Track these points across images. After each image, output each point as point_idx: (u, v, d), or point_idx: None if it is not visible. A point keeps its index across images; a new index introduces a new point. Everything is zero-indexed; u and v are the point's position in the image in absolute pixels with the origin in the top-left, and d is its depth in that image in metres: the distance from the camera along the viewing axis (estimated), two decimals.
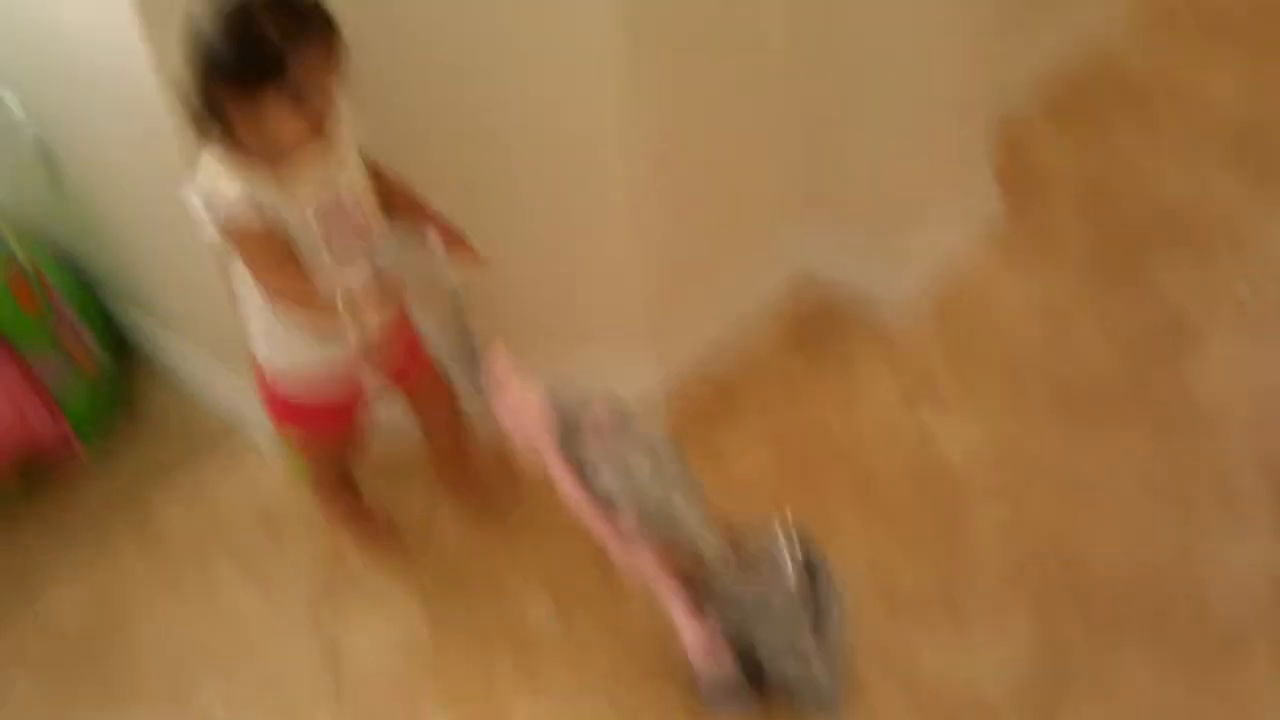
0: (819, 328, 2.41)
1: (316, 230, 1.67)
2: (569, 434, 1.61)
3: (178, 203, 1.82)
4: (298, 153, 1.64)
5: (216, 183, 1.61)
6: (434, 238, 1.75)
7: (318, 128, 1.62)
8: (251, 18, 1.55)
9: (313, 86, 1.58)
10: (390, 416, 2.08)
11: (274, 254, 1.67)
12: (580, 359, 1.79)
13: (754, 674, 1.76)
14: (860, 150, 2.31)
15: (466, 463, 2.15)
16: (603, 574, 1.94)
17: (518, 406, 1.62)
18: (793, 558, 1.72)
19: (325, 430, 1.93)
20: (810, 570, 1.75)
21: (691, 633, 1.70)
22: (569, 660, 1.94)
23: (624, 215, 2.05)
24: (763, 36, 2.17)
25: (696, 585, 1.70)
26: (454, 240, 1.80)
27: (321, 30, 1.60)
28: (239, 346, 2.02)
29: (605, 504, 1.60)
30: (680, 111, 2.05)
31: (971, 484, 2.11)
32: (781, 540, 1.72)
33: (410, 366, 1.91)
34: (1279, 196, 2.69)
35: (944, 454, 2.16)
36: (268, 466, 2.26)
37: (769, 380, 2.31)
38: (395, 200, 1.82)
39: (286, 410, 1.87)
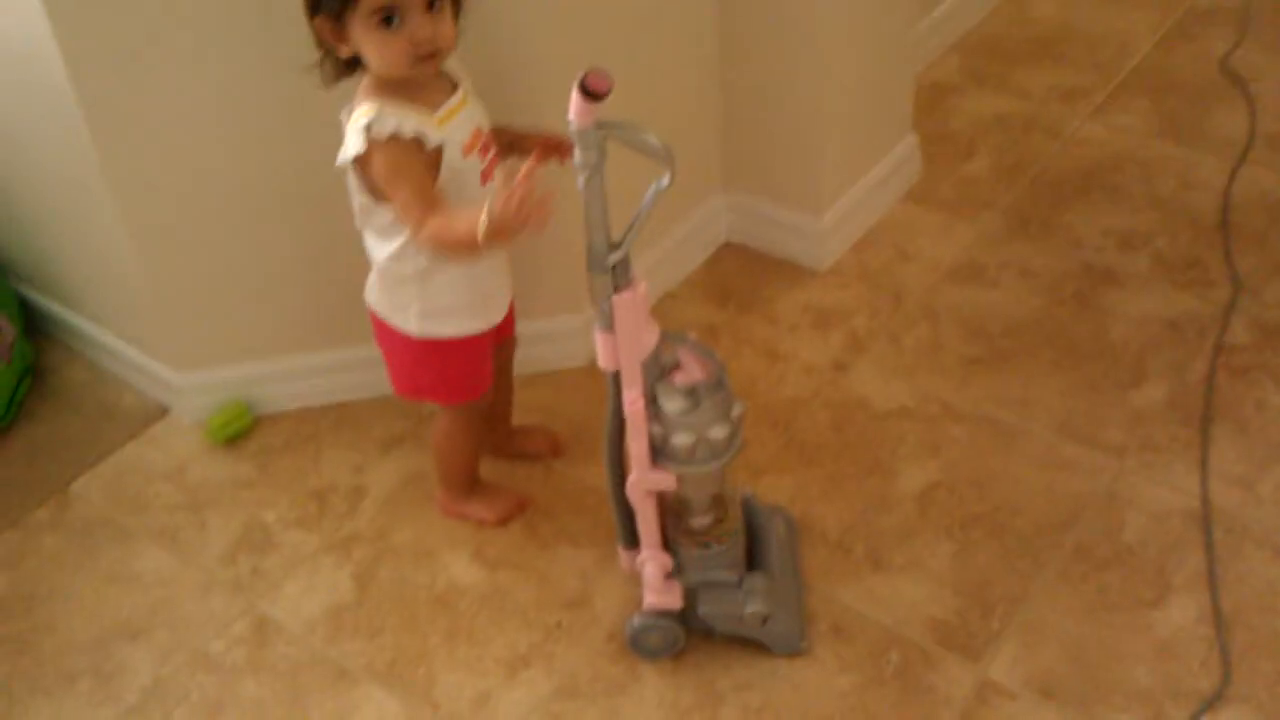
0: (746, 285, 2.51)
1: (478, 165, 1.68)
2: (656, 370, 1.65)
3: (86, 188, 1.96)
4: (423, 83, 1.62)
5: (381, 111, 1.59)
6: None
7: (428, 46, 1.59)
8: None
9: (405, 10, 1.55)
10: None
11: (428, 188, 1.62)
12: None
13: (690, 618, 1.84)
14: (784, 124, 2.41)
15: (510, 421, 2.16)
16: (526, 532, 2.07)
17: (634, 327, 1.59)
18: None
19: (476, 375, 1.88)
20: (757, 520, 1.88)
21: (654, 563, 1.78)
22: (497, 619, 1.96)
23: None
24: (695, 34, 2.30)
25: (671, 525, 1.79)
26: (560, 146, 1.75)
27: None
28: (149, 327, 2.20)
29: (661, 423, 1.65)
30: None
31: (894, 432, 2.20)
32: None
33: (510, 319, 1.92)
34: (1193, 141, 2.80)
35: (868, 404, 2.25)
36: (184, 439, 2.31)
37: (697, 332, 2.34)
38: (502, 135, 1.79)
39: (441, 367, 1.84)
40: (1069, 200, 2.68)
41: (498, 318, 1.86)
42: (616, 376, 1.64)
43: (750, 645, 1.86)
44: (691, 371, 1.66)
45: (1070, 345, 2.34)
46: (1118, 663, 1.83)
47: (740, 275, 2.56)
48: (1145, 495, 2.05)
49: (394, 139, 1.60)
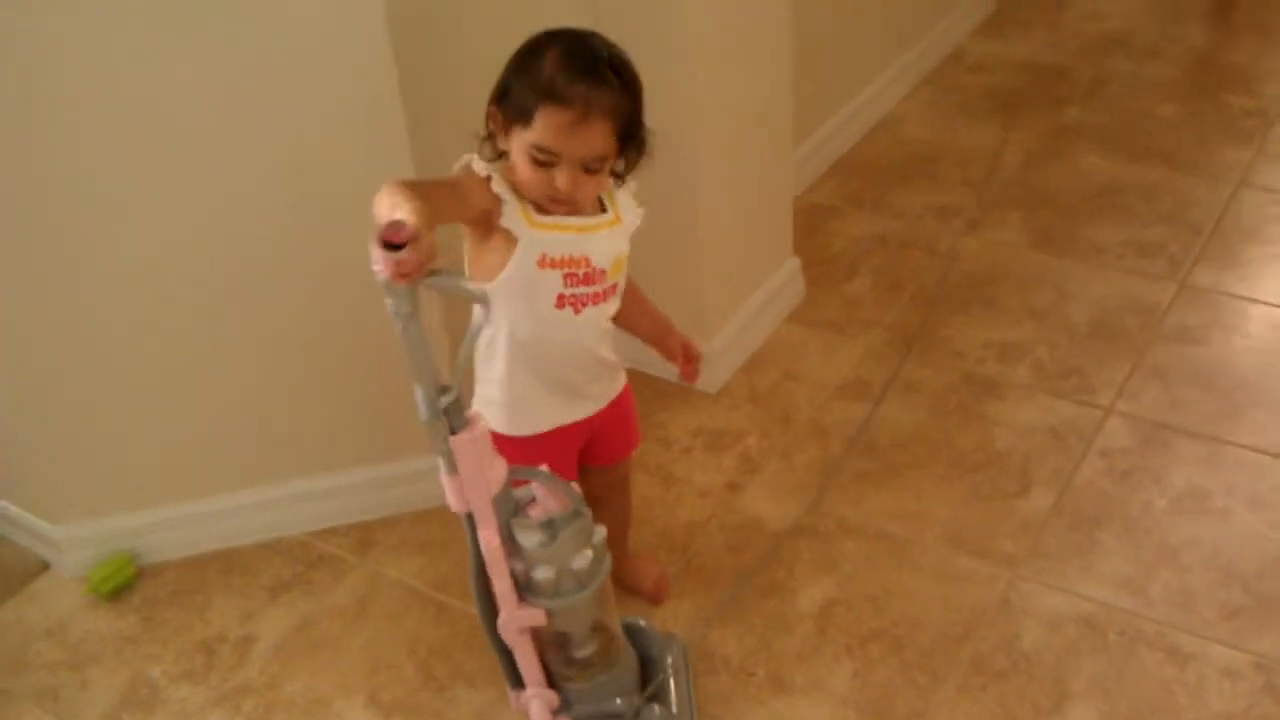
0: (638, 410, 2.40)
1: (557, 285, 1.64)
2: (509, 507, 1.63)
3: None
4: (552, 206, 1.60)
5: (500, 180, 1.58)
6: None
7: (563, 197, 1.58)
8: (537, 57, 1.52)
9: (565, 152, 1.53)
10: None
11: (431, 197, 1.46)
12: None
13: None
14: (667, 251, 2.40)
15: (623, 546, 2.08)
16: (422, 675, 2.03)
17: (477, 467, 1.56)
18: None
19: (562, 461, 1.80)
20: (651, 651, 1.87)
21: (539, 701, 1.75)
22: None
23: None
24: None
25: (555, 659, 1.75)
26: (691, 359, 1.89)
27: (597, 109, 1.52)
28: (25, 480, 2.19)
29: (521, 559, 1.63)
30: None
31: (789, 551, 2.21)
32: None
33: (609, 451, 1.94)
34: (1066, 252, 2.91)
35: (762, 524, 2.26)
36: (65, 595, 2.23)
37: None
38: (634, 308, 1.85)
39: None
40: (949, 315, 2.74)
41: (528, 430, 1.78)
42: (470, 518, 1.61)
43: None
44: (546, 504, 1.64)
45: (957, 457, 2.37)
46: None
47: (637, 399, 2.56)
48: (1038, 603, 2.07)
49: (486, 179, 1.58)
